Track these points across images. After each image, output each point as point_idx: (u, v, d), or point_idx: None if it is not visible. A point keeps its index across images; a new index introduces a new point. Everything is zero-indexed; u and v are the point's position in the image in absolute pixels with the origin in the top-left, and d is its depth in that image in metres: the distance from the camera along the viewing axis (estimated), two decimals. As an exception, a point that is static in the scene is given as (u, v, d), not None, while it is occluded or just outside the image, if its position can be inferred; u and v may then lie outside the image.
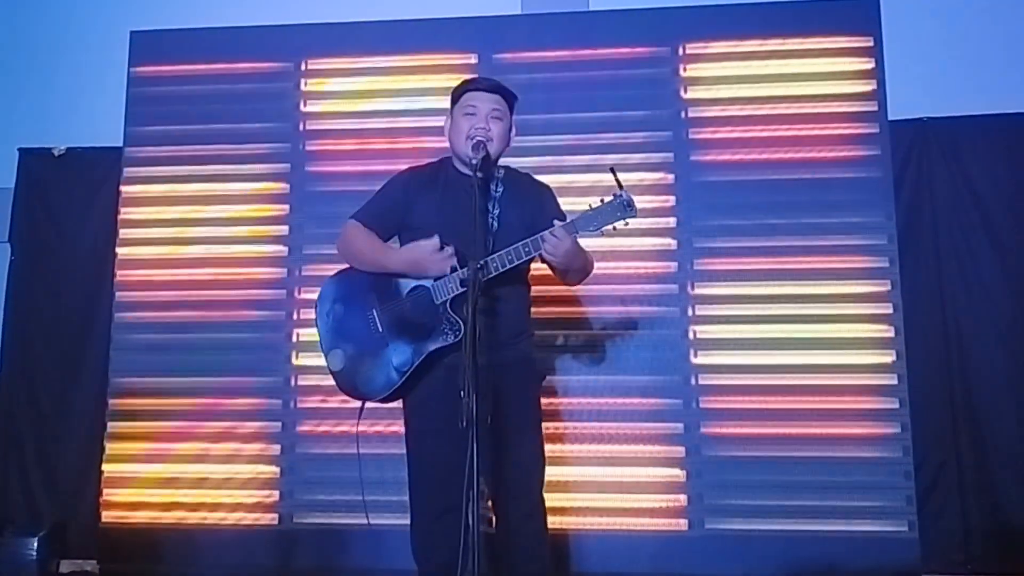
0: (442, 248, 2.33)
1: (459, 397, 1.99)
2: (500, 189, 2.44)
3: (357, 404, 2.54)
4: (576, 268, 2.45)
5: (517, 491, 2.40)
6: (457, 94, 2.48)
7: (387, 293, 2.44)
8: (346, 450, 3.45)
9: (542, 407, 2.52)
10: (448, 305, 2.35)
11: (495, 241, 2.35)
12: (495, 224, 2.39)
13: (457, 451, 2.01)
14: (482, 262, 2.23)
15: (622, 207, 2.26)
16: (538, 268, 2.53)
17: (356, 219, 2.52)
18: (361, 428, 3.31)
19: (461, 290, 2.31)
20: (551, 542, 2.51)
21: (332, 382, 3.32)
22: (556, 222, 2.28)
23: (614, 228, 2.28)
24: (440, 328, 2.36)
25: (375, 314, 2.44)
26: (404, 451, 2.50)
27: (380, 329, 2.43)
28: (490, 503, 2.48)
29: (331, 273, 2.57)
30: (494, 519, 2.45)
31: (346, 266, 2.55)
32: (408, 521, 2.49)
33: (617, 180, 2.27)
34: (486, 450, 2.32)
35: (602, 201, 2.29)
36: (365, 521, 2.72)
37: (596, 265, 2.56)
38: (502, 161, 2.52)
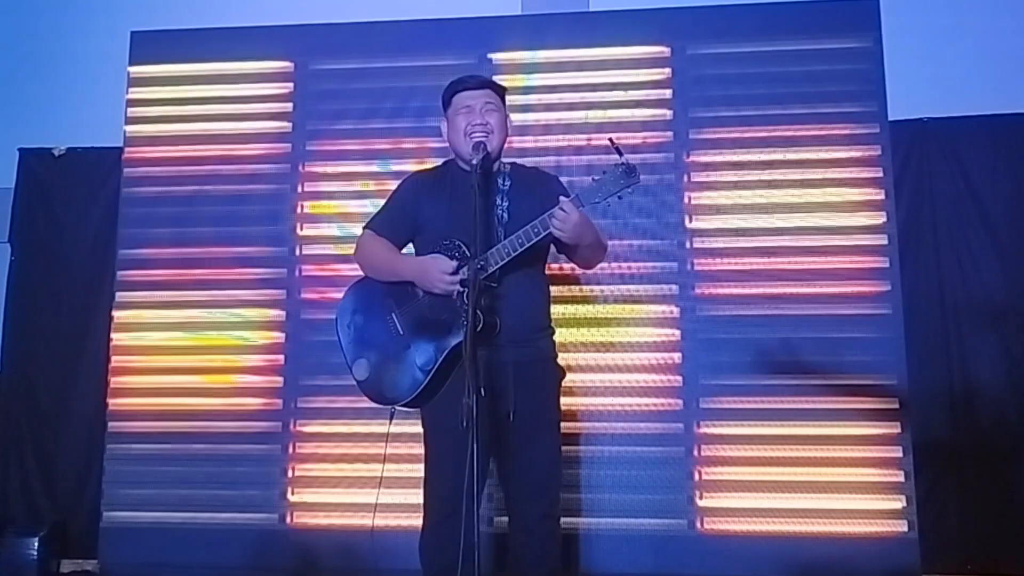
0: (455, 272, 2.29)
1: (477, 394, 1.98)
2: (508, 183, 2.43)
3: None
4: (588, 244, 2.40)
5: (534, 491, 2.37)
6: (447, 96, 2.47)
7: (403, 295, 2.41)
8: (345, 450, 3.47)
9: (561, 407, 2.47)
10: (465, 297, 2.29)
11: (506, 232, 2.33)
12: (505, 216, 2.38)
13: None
14: (481, 262, 2.23)
15: (625, 175, 2.25)
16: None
17: (370, 229, 2.50)
18: (362, 427, 3.37)
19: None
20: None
21: (332, 382, 3.38)
22: (562, 198, 2.28)
23: (619, 198, 2.27)
24: (460, 321, 2.28)
25: (394, 318, 2.41)
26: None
27: (401, 332, 2.40)
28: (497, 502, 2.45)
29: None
30: (508, 518, 2.43)
31: (359, 277, 2.52)
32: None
33: (617, 149, 2.25)
34: (504, 448, 2.33)
35: (604, 172, 2.28)
36: (366, 521, 2.72)
37: (598, 265, 2.55)
38: (508, 158, 2.52)
